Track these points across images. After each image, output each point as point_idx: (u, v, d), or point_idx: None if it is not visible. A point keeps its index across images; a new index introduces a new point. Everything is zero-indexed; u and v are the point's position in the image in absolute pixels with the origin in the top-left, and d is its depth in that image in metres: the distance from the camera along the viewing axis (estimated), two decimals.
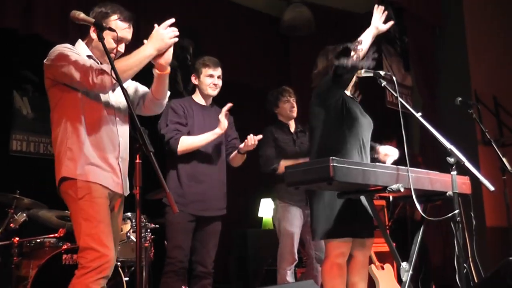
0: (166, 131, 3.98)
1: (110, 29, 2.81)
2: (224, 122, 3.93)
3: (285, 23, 6.92)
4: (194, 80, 4.21)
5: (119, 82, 2.61)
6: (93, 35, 3.01)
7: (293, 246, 4.57)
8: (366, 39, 3.47)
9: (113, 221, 3.01)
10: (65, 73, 2.82)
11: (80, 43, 3.08)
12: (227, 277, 7.23)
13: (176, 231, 3.90)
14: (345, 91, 3.64)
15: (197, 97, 4.24)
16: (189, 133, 3.98)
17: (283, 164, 4.35)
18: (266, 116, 8.22)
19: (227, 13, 7.18)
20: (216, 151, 4.09)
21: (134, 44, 5.61)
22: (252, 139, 4.01)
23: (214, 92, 4.18)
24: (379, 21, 3.37)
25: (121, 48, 3.07)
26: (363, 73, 3.39)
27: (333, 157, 2.71)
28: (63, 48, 2.92)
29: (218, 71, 4.18)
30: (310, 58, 7.78)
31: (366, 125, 3.60)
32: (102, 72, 2.79)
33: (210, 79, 4.14)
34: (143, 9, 6.32)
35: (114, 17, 3.03)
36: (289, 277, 4.58)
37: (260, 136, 4.09)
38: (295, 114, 4.81)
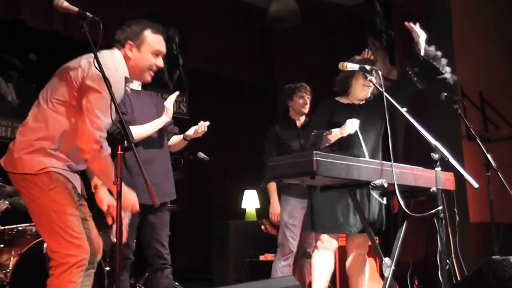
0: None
1: (94, 18, 2.73)
2: (171, 109, 3.78)
3: (271, 15, 6.89)
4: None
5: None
6: (129, 53, 2.99)
7: (289, 238, 4.57)
8: (333, 137, 3.66)
9: (83, 209, 2.97)
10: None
11: (119, 58, 3.00)
12: (208, 268, 7.23)
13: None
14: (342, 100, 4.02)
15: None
16: (130, 122, 3.84)
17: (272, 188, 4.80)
18: (249, 108, 8.27)
19: (213, 4, 7.14)
20: (159, 138, 3.91)
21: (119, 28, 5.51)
22: (203, 126, 3.91)
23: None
24: (346, 131, 3.58)
25: (160, 62, 3.08)
26: (348, 66, 3.37)
27: (317, 151, 2.70)
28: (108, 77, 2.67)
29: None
30: (293, 50, 7.82)
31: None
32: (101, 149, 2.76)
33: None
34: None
35: (148, 31, 3.03)
36: (282, 269, 4.58)
37: (208, 123, 3.97)
38: (306, 111, 4.83)
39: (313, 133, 3.73)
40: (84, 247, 2.76)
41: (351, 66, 3.41)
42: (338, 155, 2.96)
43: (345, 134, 3.62)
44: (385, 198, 3.69)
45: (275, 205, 4.80)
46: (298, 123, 4.86)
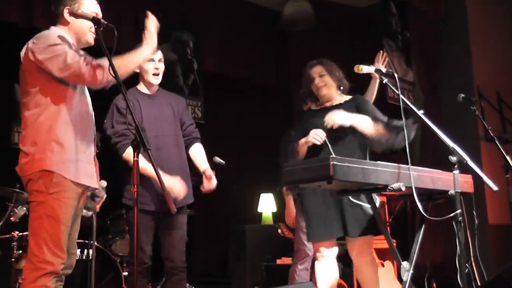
0: (112, 132, 3.71)
1: (108, 25, 2.74)
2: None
3: (285, 18, 6.87)
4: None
5: (117, 79, 2.58)
6: (69, 18, 2.94)
7: (305, 241, 4.49)
8: (301, 147, 3.67)
9: (76, 218, 2.98)
10: (59, 66, 2.75)
11: (58, 31, 2.96)
12: (225, 272, 7.23)
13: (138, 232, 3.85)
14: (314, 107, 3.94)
15: (141, 87, 3.91)
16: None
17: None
18: (263, 110, 8.25)
19: (227, 7, 7.15)
20: (173, 139, 3.84)
21: (135, 32, 5.56)
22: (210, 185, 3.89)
23: (156, 80, 3.85)
24: (309, 140, 3.60)
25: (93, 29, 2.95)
26: (364, 69, 3.35)
27: (333, 156, 2.68)
28: (55, 38, 2.84)
29: (158, 54, 3.80)
30: (309, 53, 7.80)
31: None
32: (99, 66, 2.74)
33: (151, 64, 3.78)
34: (143, 3, 6.28)
35: None
36: (299, 273, 4.53)
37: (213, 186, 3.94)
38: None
39: (288, 147, 3.75)
40: (64, 258, 2.77)
41: (366, 68, 3.39)
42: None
43: (309, 143, 3.59)
44: (378, 200, 3.60)
45: (290, 208, 4.76)
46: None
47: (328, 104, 3.84)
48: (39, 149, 2.77)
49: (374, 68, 3.40)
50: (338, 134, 3.60)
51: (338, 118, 3.51)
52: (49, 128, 2.79)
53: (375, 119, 3.61)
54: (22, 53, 2.87)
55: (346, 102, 3.82)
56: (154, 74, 3.81)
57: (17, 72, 6.25)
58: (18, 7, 5.31)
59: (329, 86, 3.82)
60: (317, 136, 3.54)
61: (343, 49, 7.69)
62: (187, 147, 3.97)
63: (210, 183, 3.87)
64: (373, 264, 3.73)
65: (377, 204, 3.56)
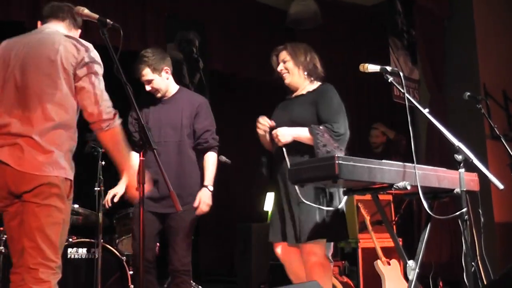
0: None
1: (114, 25, 2.75)
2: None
3: (291, 16, 6.88)
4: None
5: (123, 79, 2.58)
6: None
7: None
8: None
9: None
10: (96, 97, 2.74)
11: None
12: (232, 271, 7.24)
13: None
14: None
15: None
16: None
17: None
18: (271, 109, 8.24)
19: (233, 6, 7.15)
20: (175, 146, 3.81)
21: (141, 32, 5.57)
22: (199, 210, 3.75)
23: (159, 95, 3.87)
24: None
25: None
26: (369, 68, 3.35)
27: (339, 155, 2.68)
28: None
29: (144, 75, 3.79)
30: (315, 51, 7.80)
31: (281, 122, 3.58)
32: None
33: (147, 86, 3.83)
34: (150, 2, 6.30)
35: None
36: None
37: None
38: None
39: None
40: None
41: (372, 67, 3.38)
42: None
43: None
44: (343, 201, 3.46)
45: None
46: None
47: (293, 95, 3.72)
48: (63, 155, 2.66)
49: (379, 67, 3.39)
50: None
51: (280, 137, 3.47)
52: (72, 137, 2.76)
53: (320, 121, 3.45)
54: (74, 50, 2.77)
55: (308, 93, 3.63)
56: (154, 92, 3.86)
57: None
58: (25, 6, 5.33)
59: (292, 74, 3.64)
60: (258, 124, 3.62)
61: (349, 47, 7.70)
62: (200, 153, 3.91)
63: (200, 208, 3.73)
64: (319, 270, 3.44)
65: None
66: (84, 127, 4.21)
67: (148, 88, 3.83)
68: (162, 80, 3.84)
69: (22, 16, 5.34)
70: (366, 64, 3.35)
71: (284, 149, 3.47)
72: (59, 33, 2.88)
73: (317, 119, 3.47)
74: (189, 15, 6.69)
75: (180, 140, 3.82)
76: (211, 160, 3.87)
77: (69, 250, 4.40)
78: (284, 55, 3.70)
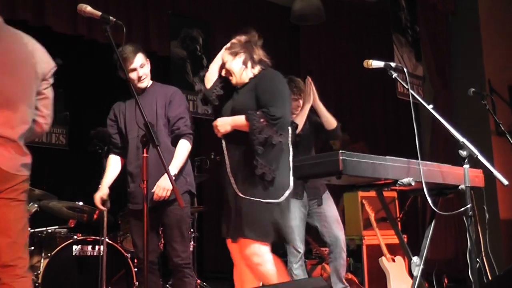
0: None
1: (117, 22, 2.74)
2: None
3: (295, 13, 6.86)
4: (123, 75, 3.44)
5: (126, 75, 2.58)
6: None
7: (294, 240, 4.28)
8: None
9: None
10: None
11: None
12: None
13: (130, 230, 3.86)
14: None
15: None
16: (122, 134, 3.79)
17: None
18: None
19: (237, 3, 7.15)
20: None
21: (144, 29, 5.55)
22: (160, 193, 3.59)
23: (143, 84, 3.76)
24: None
25: None
26: (373, 64, 3.33)
27: (343, 151, 2.68)
28: None
29: (137, 60, 3.70)
30: (320, 47, 7.80)
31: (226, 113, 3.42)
32: None
33: (134, 73, 3.71)
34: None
35: None
36: (296, 271, 4.35)
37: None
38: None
39: None
40: None
41: (376, 63, 3.36)
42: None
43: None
44: (284, 196, 3.20)
45: None
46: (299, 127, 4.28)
47: (238, 86, 3.54)
48: (29, 155, 2.74)
49: (383, 63, 3.37)
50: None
51: (220, 127, 3.32)
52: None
53: (259, 106, 3.24)
54: (47, 59, 2.86)
55: (251, 79, 3.46)
56: (139, 81, 3.75)
57: None
58: (30, 5, 5.35)
59: (235, 74, 3.49)
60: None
61: (353, 43, 7.69)
62: (173, 142, 3.77)
63: (155, 193, 3.55)
64: (261, 273, 3.23)
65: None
66: (90, 125, 4.23)
67: (138, 74, 3.70)
68: (147, 70, 3.79)
69: (26, 16, 5.36)
70: (370, 60, 3.33)
71: (223, 141, 3.33)
72: (26, 35, 2.87)
73: (256, 105, 3.28)
74: (193, 12, 6.69)
75: (156, 131, 3.55)
76: (180, 146, 3.68)
77: (74, 247, 4.41)
78: (225, 56, 3.60)
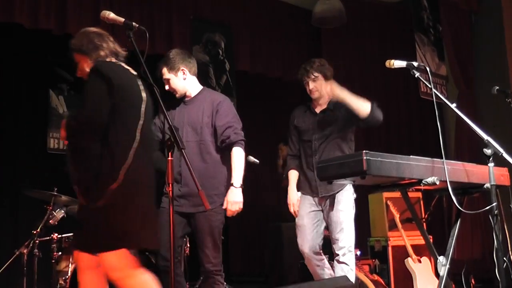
0: None
1: (140, 28, 2.78)
2: None
3: (316, 16, 6.86)
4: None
5: (149, 81, 2.62)
6: None
7: (298, 238, 4.24)
8: None
9: None
10: None
11: None
12: (263, 271, 7.24)
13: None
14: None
15: None
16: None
17: (291, 177, 4.36)
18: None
19: (259, 7, 7.17)
20: (195, 145, 3.74)
21: (168, 35, 5.58)
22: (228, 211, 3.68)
23: (176, 94, 3.86)
24: None
25: None
26: (395, 64, 3.33)
27: (367, 151, 2.68)
28: None
29: (162, 73, 3.82)
30: (342, 50, 7.79)
31: None
32: None
33: (166, 86, 3.84)
34: (176, 5, 6.35)
35: None
36: (315, 271, 4.23)
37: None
38: (314, 96, 4.28)
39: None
40: None
41: (398, 63, 3.36)
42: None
43: None
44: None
45: (290, 194, 4.36)
46: (318, 109, 4.32)
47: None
48: None
49: (405, 63, 3.36)
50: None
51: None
52: None
53: None
54: None
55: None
56: (172, 92, 3.87)
57: (52, 78, 6.39)
58: (53, 14, 5.41)
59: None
60: None
61: (375, 44, 7.66)
62: (224, 150, 3.80)
63: (228, 209, 3.66)
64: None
65: None
66: None
67: (166, 87, 3.84)
68: (178, 80, 3.82)
69: (50, 24, 5.43)
70: (392, 60, 3.33)
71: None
72: None
73: None
74: (215, 17, 6.73)
75: (201, 140, 3.74)
76: (235, 156, 3.71)
77: None
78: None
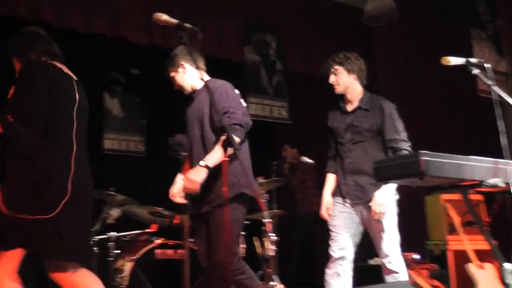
0: None
1: (193, 29, 2.77)
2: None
3: (367, 13, 6.75)
4: None
5: None
6: None
7: (329, 241, 4.04)
8: None
9: None
10: None
11: None
12: (315, 273, 7.18)
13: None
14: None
15: None
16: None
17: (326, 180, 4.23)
18: None
19: (309, 7, 7.12)
20: (198, 139, 3.62)
21: (218, 36, 5.60)
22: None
23: (185, 92, 3.82)
24: None
25: None
26: (452, 61, 3.22)
27: (424, 151, 2.60)
28: None
29: (169, 74, 3.84)
30: (394, 47, 7.63)
31: None
32: None
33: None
34: (225, 7, 6.36)
35: None
36: (328, 279, 4.05)
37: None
38: (337, 91, 4.17)
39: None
40: None
41: (455, 60, 3.25)
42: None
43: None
44: None
45: (324, 197, 4.19)
46: (349, 107, 4.16)
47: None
48: None
49: (463, 60, 3.25)
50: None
51: None
52: None
53: None
54: None
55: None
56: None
57: (106, 81, 6.52)
58: (106, 17, 5.51)
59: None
60: None
61: (429, 41, 7.48)
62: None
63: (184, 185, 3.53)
64: None
65: None
66: (167, 132, 4.30)
67: (177, 89, 3.82)
68: (180, 76, 3.77)
69: (103, 28, 5.52)
70: (448, 57, 3.23)
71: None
72: None
73: None
74: (265, 17, 6.72)
75: (202, 133, 3.59)
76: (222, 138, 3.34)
77: (156, 251, 4.57)
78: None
